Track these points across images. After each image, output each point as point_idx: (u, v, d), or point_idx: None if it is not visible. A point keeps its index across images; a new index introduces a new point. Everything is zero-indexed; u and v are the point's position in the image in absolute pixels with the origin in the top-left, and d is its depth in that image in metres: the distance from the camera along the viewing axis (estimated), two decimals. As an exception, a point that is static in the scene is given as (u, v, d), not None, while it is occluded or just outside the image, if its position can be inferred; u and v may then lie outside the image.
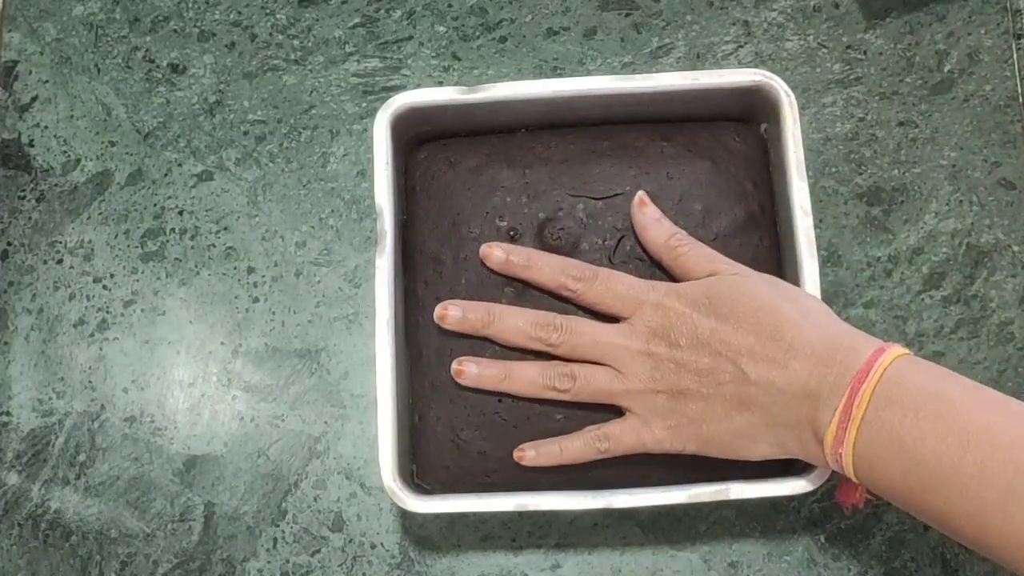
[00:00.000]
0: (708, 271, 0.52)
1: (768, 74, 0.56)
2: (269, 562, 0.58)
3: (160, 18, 0.66)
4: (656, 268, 0.55)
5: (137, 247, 0.63)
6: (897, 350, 0.46)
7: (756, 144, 0.58)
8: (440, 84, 0.64)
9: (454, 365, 0.54)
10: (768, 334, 0.48)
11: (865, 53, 0.64)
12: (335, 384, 0.60)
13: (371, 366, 0.54)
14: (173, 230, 0.63)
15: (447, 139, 0.59)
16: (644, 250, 0.55)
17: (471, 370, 0.53)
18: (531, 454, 0.53)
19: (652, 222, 0.54)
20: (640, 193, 0.54)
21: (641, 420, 0.51)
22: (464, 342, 0.55)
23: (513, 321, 0.53)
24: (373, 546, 0.58)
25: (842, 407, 0.45)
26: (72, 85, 0.66)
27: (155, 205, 0.63)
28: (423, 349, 0.56)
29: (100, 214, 0.64)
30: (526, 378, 0.52)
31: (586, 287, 0.52)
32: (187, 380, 0.61)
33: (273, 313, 0.62)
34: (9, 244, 0.63)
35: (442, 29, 0.65)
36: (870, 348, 0.46)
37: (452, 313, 0.53)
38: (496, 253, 0.54)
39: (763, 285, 0.50)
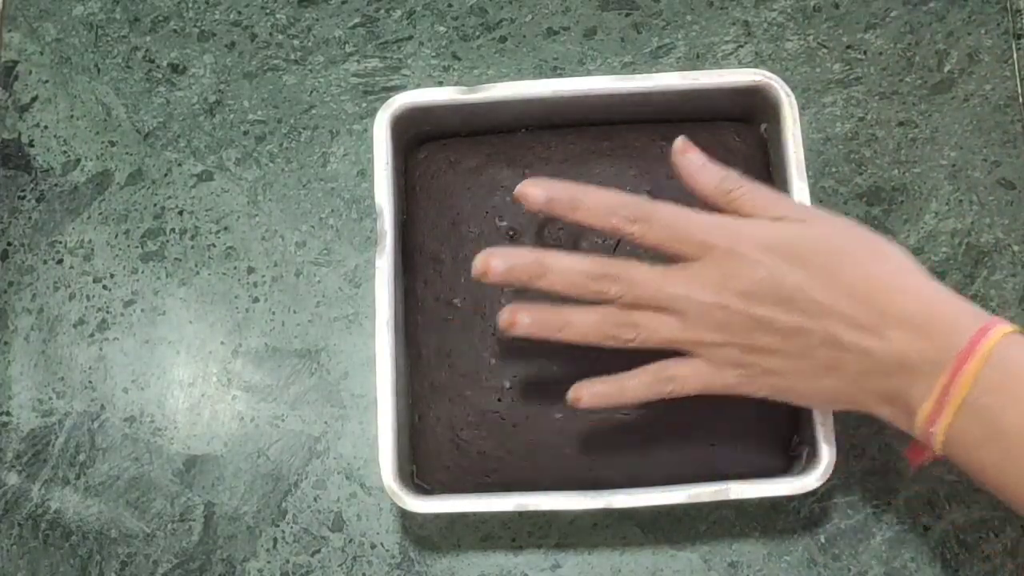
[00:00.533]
0: (773, 214, 0.47)
1: (768, 74, 0.56)
2: (269, 562, 0.58)
3: (160, 18, 0.66)
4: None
5: (137, 247, 0.63)
6: (1003, 328, 0.43)
7: (756, 144, 0.58)
8: (440, 84, 0.64)
9: (504, 315, 0.47)
10: (861, 297, 0.44)
11: (865, 53, 0.64)
12: (335, 384, 0.60)
13: (371, 366, 0.54)
14: (173, 230, 0.63)
15: (447, 139, 0.59)
16: (644, 251, 0.55)
17: (523, 320, 0.47)
18: (587, 396, 0.48)
19: (698, 168, 0.48)
20: (680, 138, 0.49)
21: (711, 365, 0.47)
22: (464, 343, 0.55)
23: (567, 272, 0.46)
24: (373, 546, 0.58)
25: (940, 388, 0.42)
26: (72, 85, 0.66)
27: (155, 205, 0.63)
28: (423, 349, 0.56)
29: (100, 214, 0.64)
30: (586, 325, 0.47)
31: (644, 229, 0.46)
32: (187, 380, 0.61)
33: (273, 313, 0.62)
34: (9, 244, 0.63)
35: (442, 29, 0.65)
36: (974, 325, 0.43)
37: (495, 265, 0.46)
38: (535, 192, 0.47)
39: (847, 236, 0.46)
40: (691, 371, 0.47)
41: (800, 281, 0.45)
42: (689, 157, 0.49)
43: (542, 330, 0.47)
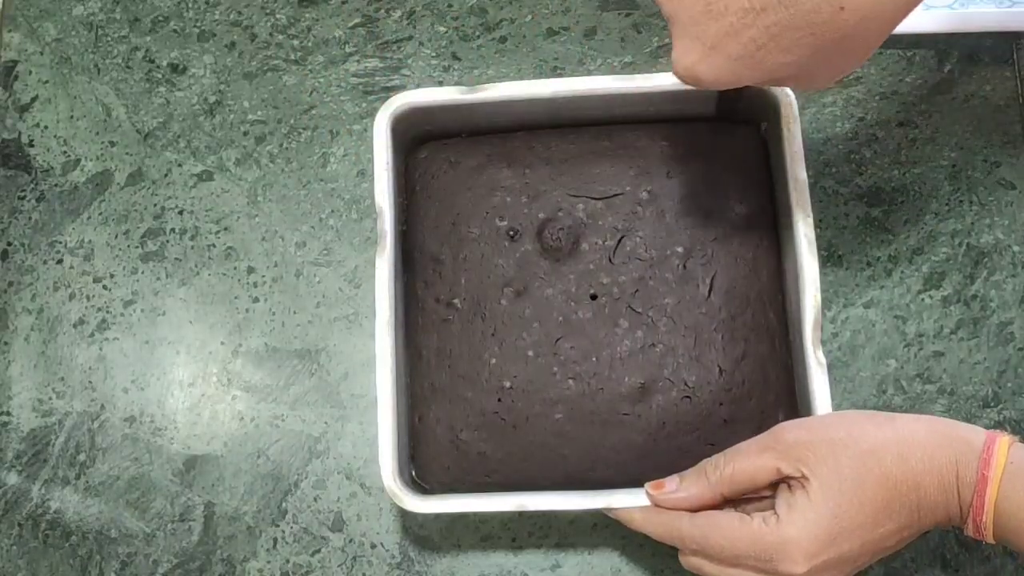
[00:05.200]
0: (768, 475, 0.48)
1: (768, 74, 0.56)
2: (269, 562, 0.58)
3: (160, 18, 0.66)
4: (656, 269, 0.55)
5: (137, 247, 0.63)
6: (1002, 439, 0.46)
7: (756, 144, 0.58)
8: (440, 84, 0.64)
9: None
10: (901, 521, 0.47)
11: (865, 53, 0.64)
12: (335, 384, 0.60)
13: (371, 366, 0.54)
14: (173, 230, 0.63)
15: (447, 139, 0.59)
16: (644, 251, 0.55)
17: None
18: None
19: (679, 487, 0.50)
20: (646, 486, 0.51)
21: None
22: (464, 344, 0.55)
23: None
24: (373, 546, 0.58)
25: (974, 507, 0.46)
26: (72, 85, 0.66)
27: (155, 205, 0.63)
28: (423, 349, 0.56)
29: (100, 214, 0.64)
30: None
31: None
32: (187, 380, 0.61)
33: (273, 313, 0.62)
34: (9, 244, 0.63)
35: (442, 29, 0.65)
36: (978, 441, 0.46)
37: None
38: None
39: (853, 476, 0.47)
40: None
41: (852, 552, 0.47)
42: (665, 491, 0.50)
43: None
